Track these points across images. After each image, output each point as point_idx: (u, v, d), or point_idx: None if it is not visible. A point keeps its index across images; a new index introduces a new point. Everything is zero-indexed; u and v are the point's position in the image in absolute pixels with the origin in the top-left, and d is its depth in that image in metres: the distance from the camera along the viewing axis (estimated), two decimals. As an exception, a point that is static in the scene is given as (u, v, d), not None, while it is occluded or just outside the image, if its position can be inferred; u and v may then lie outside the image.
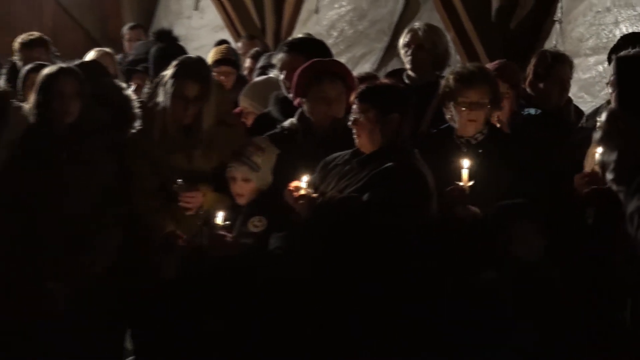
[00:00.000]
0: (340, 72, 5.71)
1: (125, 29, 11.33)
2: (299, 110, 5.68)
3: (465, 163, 4.89)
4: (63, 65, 5.59)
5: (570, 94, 6.48)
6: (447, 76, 5.48)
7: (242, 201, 5.30)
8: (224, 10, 11.42)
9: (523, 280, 4.84)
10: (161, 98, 5.63)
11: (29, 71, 6.27)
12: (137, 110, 5.66)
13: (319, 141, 5.50)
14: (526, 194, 4.97)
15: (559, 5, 8.27)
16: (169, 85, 5.41)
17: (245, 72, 8.75)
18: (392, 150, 4.92)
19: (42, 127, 5.28)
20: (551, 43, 8.01)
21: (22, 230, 5.14)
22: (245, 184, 5.29)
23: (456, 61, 7.79)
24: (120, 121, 5.47)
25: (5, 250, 5.18)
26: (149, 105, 5.77)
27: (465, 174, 4.87)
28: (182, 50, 8.19)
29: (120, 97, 5.63)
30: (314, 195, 4.97)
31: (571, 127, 5.93)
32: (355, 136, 5.05)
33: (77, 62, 6.08)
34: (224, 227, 5.19)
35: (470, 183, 4.85)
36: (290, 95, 5.99)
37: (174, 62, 5.63)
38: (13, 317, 5.18)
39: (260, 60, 8.34)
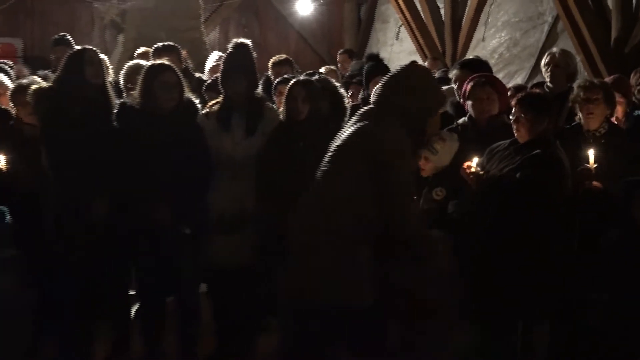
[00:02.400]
0: (489, 80, 6.22)
1: (339, 53, 12.01)
2: (469, 113, 6.22)
3: (591, 150, 5.56)
4: (299, 78, 6.02)
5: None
6: (576, 87, 6.10)
7: (423, 174, 5.76)
8: (415, 39, 12.30)
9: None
10: None
11: (278, 83, 6.83)
12: (348, 107, 6.16)
13: (482, 132, 5.99)
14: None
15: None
16: None
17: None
18: (540, 141, 5.46)
19: (287, 123, 5.80)
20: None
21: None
22: (426, 162, 5.75)
23: (584, 76, 8.36)
24: (337, 115, 5.93)
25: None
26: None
27: (591, 158, 5.53)
28: (387, 68, 8.56)
29: (337, 98, 6.06)
30: (481, 172, 5.48)
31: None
32: (514, 130, 5.56)
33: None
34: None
35: (595, 165, 5.51)
36: (462, 100, 6.53)
37: None
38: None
39: (436, 74, 9.02)
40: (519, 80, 10.41)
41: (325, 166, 5.05)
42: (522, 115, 5.54)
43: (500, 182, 5.51)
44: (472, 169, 5.50)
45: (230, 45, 6.02)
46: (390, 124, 4.93)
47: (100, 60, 5.85)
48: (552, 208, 5.51)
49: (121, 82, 6.94)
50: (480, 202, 5.62)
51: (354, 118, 5.18)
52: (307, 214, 5.07)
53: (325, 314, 4.90)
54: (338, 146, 5.04)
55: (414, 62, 5.41)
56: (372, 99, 5.18)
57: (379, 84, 5.21)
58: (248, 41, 6.03)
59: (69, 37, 9.79)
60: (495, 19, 11.90)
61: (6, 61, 9.55)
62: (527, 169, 5.39)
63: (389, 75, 5.20)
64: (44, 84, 6.10)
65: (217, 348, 6.19)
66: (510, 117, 5.67)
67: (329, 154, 5.07)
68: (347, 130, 5.11)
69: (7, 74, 7.83)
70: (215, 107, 5.98)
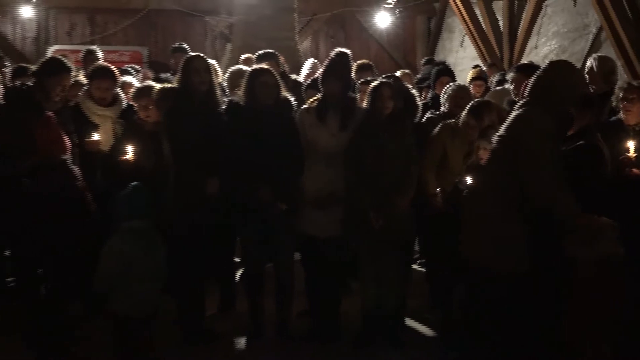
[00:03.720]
0: None
1: (422, 62, 11.91)
2: None
3: (632, 142, 5.62)
4: (383, 79, 6.00)
5: None
6: (618, 88, 6.17)
7: (482, 162, 5.49)
8: (477, 47, 12.20)
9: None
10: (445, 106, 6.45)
11: (360, 83, 6.82)
12: (420, 105, 6.18)
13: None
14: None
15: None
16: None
17: (489, 85, 9.24)
18: (583, 133, 5.35)
19: (372, 117, 5.76)
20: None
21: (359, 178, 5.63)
22: (485, 152, 5.48)
23: (623, 79, 8.11)
24: (410, 111, 5.96)
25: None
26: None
27: (632, 149, 5.59)
28: (451, 72, 8.77)
29: (410, 97, 6.03)
30: None
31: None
32: None
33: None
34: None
35: (635, 155, 5.57)
36: (516, 99, 6.09)
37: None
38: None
39: (496, 76, 9.19)
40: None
41: (494, 147, 5.03)
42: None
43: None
44: None
45: (333, 53, 6.03)
46: (536, 111, 4.84)
47: (209, 66, 5.88)
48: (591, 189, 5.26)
49: (226, 83, 7.02)
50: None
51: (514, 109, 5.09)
52: (479, 188, 5.11)
53: (493, 279, 4.87)
54: (501, 133, 5.00)
55: (556, 61, 5.37)
56: (525, 92, 5.08)
57: (530, 80, 5.11)
58: (347, 51, 6.05)
59: (185, 45, 9.95)
60: (547, 30, 11.75)
61: (134, 66, 9.78)
62: (571, 157, 5.20)
63: (538, 71, 5.09)
64: (167, 85, 6.18)
65: (308, 306, 6.26)
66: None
67: (497, 137, 5.02)
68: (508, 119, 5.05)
69: (133, 76, 7.95)
70: (314, 104, 6.01)
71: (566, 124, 5.22)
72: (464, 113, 5.96)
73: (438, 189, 5.98)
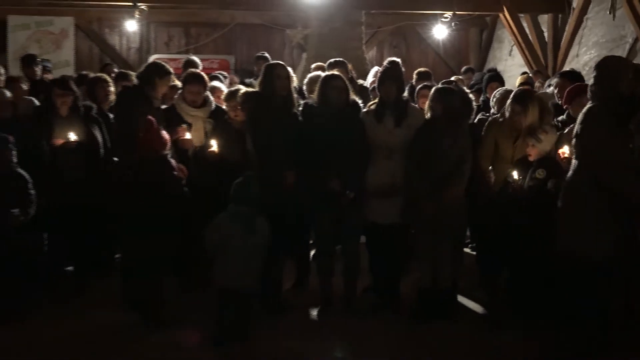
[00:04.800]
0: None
1: (462, 71, 11.72)
2: (567, 112, 6.14)
3: None
4: (438, 86, 6.00)
5: None
6: None
7: (530, 159, 5.53)
8: (524, 55, 11.98)
9: None
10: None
11: (420, 88, 6.79)
12: (474, 107, 6.08)
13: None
14: None
15: None
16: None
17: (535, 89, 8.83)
18: None
19: (431, 118, 5.71)
20: None
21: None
22: (533, 149, 5.51)
23: None
24: (466, 113, 5.87)
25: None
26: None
27: None
28: (501, 78, 8.65)
29: (466, 100, 5.92)
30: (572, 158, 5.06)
31: None
32: None
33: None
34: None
35: None
36: (560, 102, 6.53)
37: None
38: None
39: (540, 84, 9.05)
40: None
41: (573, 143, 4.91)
42: None
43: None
44: (565, 155, 5.38)
45: (385, 62, 6.01)
46: (597, 106, 4.75)
47: (288, 73, 5.90)
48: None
49: (304, 88, 7.05)
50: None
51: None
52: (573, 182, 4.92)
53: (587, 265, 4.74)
54: (575, 131, 4.88)
55: (603, 57, 5.19)
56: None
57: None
58: (398, 59, 6.00)
59: (267, 54, 10.00)
60: (587, 40, 11.55)
61: (222, 72, 9.84)
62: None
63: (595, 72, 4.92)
64: (251, 89, 6.22)
65: (371, 283, 6.26)
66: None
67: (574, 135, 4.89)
68: None
69: (221, 81, 8.00)
70: (372, 107, 5.98)
71: (633, 106, 4.92)
72: (508, 101, 5.84)
73: (492, 177, 5.89)
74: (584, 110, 4.82)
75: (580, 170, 4.82)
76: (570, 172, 4.92)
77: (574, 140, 4.86)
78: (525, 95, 5.85)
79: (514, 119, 5.72)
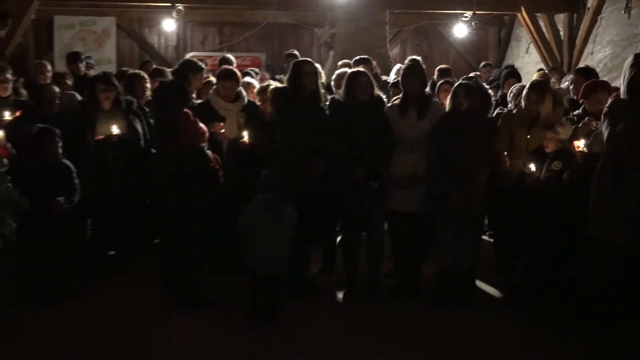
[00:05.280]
0: (605, 86, 6.04)
1: (481, 67, 11.69)
2: (582, 106, 5.99)
3: None
4: (460, 81, 5.85)
5: None
6: None
7: (547, 150, 5.52)
8: (541, 53, 11.73)
9: None
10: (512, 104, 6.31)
11: (441, 84, 6.80)
12: (492, 102, 6.17)
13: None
14: None
15: None
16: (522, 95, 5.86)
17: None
18: None
19: (451, 112, 5.66)
20: None
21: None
22: (550, 141, 5.51)
23: None
24: (484, 107, 5.81)
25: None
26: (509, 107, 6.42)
27: None
28: (518, 74, 8.63)
29: (485, 95, 5.89)
30: (586, 151, 5.23)
31: None
32: None
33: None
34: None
35: None
36: (575, 97, 6.50)
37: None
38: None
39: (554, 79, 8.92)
40: (616, 84, 9.88)
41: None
42: None
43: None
44: (580, 148, 5.30)
45: (407, 60, 6.07)
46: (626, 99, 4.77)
47: (316, 70, 5.91)
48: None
49: (332, 83, 7.06)
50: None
51: None
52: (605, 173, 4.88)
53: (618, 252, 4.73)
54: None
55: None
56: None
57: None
58: (419, 57, 6.07)
59: (296, 52, 9.97)
60: (602, 38, 11.39)
61: (254, 69, 9.88)
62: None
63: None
64: (280, 85, 6.25)
65: (394, 268, 6.24)
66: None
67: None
68: None
69: (252, 77, 8.00)
70: (396, 102, 5.96)
71: None
72: (525, 91, 5.85)
73: (508, 162, 5.83)
74: (612, 103, 4.84)
75: (607, 162, 4.79)
76: (599, 163, 4.90)
77: (606, 133, 4.80)
78: (541, 84, 5.92)
79: (530, 108, 5.74)
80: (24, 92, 7.44)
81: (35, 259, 5.56)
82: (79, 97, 7.00)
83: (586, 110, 5.92)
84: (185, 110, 5.59)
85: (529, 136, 5.75)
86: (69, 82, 7.82)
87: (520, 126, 5.80)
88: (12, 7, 10.89)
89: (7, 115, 6.09)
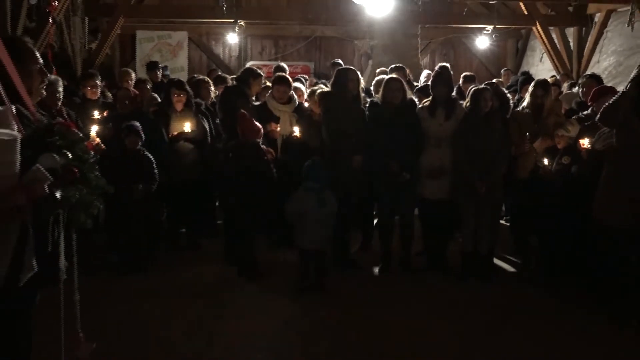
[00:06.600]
0: (613, 91, 5.66)
1: (502, 72, 11.65)
2: (591, 108, 5.79)
3: None
4: (480, 86, 5.87)
5: None
6: None
7: (559, 146, 5.49)
8: (553, 61, 11.49)
9: None
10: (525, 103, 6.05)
11: (470, 89, 6.27)
12: (511, 104, 6.11)
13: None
14: None
15: None
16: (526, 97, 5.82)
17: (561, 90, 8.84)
18: None
19: (474, 113, 5.56)
20: None
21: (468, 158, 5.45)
22: (561, 138, 5.48)
23: None
24: (503, 110, 5.86)
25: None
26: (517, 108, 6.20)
27: None
28: (533, 79, 8.41)
29: (504, 99, 5.98)
30: (590, 148, 5.13)
31: None
32: None
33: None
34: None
35: None
36: (583, 100, 6.36)
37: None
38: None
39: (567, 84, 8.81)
40: (620, 88, 9.65)
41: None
42: None
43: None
44: (585, 145, 5.19)
45: (437, 67, 5.98)
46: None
47: (358, 76, 5.86)
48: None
49: (372, 89, 7.04)
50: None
51: None
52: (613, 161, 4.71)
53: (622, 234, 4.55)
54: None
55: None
56: None
57: None
58: (447, 65, 5.98)
59: (340, 61, 9.92)
60: (607, 48, 11.16)
61: (304, 75, 9.85)
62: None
63: None
64: (326, 89, 6.21)
65: (423, 248, 6.21)
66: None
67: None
68: None
69: (302, 83, 7.98)
70: (426, 104, 5.89)
71: None
72: (531, 88, 5.84)
73: (528, 147, 5.68)
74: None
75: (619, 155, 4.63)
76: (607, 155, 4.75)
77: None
78: (546, 81, 6.00)
79: (536, 102, 5.72)
80: (109, 95, 7.56)
81: (121, 236, 5.67)
82: (159, 99, 7.06)
83: (594, 111, 5.67)
84: (242, 110, 5.58)
85: (536, 125, 5.70)
86: (149, 87, 7.90)
87: (525, 122, 5.77)
88: (101, 24, 11.16)
89: (97, 115, 6.18)
